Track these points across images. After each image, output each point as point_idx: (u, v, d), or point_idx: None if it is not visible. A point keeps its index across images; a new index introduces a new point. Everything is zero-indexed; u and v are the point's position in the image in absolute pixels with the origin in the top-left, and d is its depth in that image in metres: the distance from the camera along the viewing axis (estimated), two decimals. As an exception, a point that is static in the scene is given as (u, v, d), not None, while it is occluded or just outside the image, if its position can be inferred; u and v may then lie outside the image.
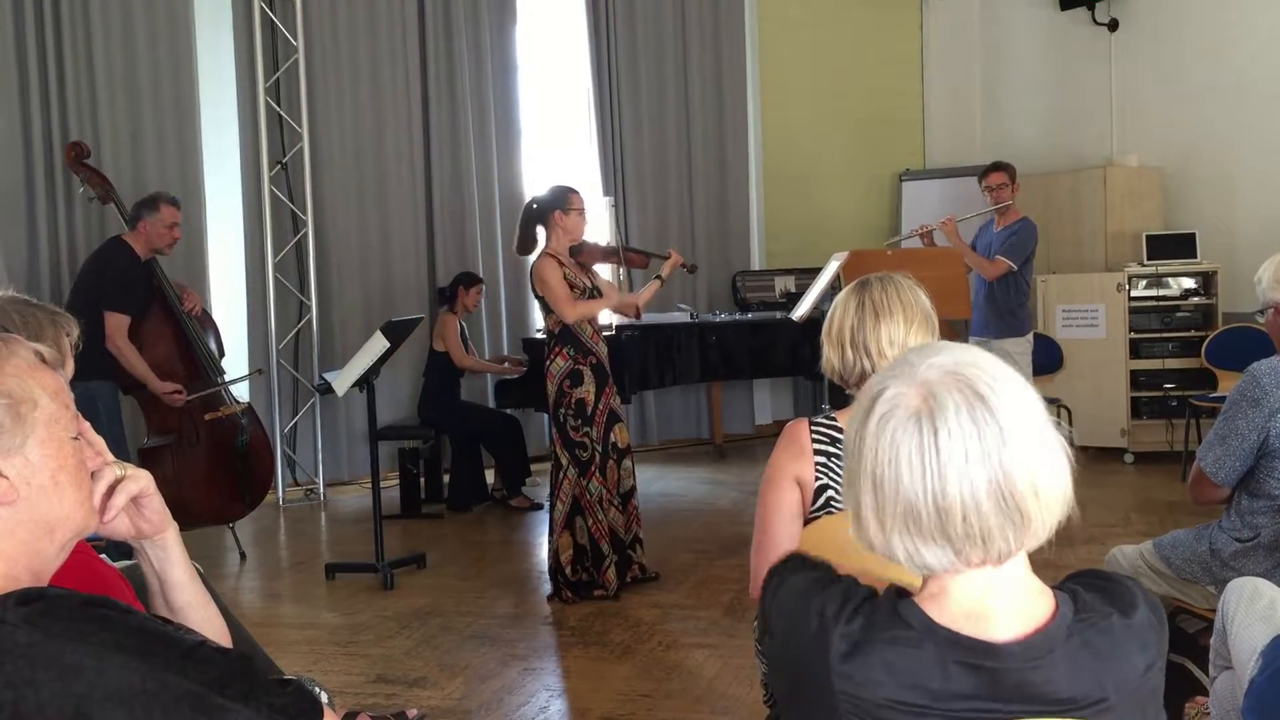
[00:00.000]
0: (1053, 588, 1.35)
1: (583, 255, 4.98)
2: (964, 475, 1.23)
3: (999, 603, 1.30)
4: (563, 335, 4.86)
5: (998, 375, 1.28)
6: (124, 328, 5.26)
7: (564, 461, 4.85)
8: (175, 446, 5.47)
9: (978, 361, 1.29)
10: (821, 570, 1.40)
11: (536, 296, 4.97)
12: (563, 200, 4.90)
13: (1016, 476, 1.24)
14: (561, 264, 4.86)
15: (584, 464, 4.83)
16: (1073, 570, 1.44)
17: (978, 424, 1.24)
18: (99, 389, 5.07)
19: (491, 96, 7.83)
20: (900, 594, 1.32)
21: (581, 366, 4.84)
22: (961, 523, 1.23)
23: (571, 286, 4.83)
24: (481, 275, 7.26)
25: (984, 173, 6.54)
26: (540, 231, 4.95)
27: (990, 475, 1.23)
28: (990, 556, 1.26)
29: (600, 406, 4.86)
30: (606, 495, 4.86)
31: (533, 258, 5.00)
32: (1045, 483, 1.26)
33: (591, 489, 4.83)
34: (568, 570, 4.84)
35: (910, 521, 1.25)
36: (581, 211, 4.93)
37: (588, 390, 4.83)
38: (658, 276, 5.22)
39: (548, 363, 4.91)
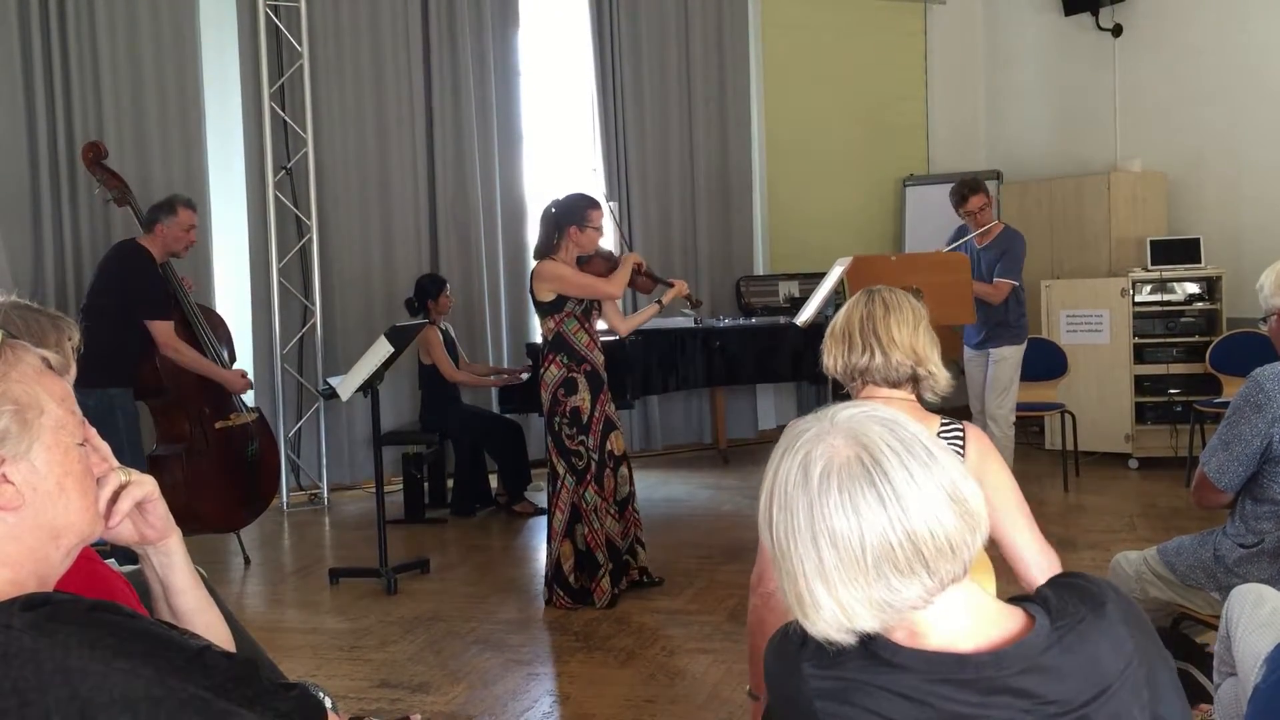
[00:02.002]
0: (1021, 601, 1.36)
1: (589, 267, 4.91)
2: (919, 496, 1.25)
3: (966, 624, 1.31)
4: (556, 343, 4.83)
5: (890, 411, 1.33)
6: (171, 330, 5.26)
7: (560, 470, 4.84)
8: (185, 455, 5.45)
9: (874, 405, 1.35)
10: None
11: (535, 303, 4.90)
12: (581, 216, 4.81)
13: (956, 481, 1.27)
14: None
15: (580, 472, 4.81)
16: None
17: (906, 444, 1.27)
18: (118, 396, 5.07)
19: (494, 101, 7.84)
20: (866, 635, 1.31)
21: (575, 374, 4.80)
22: (931, 540, 1.24)
23: (567, 301, 4.81)
24: (446, 278, 7.05)
25: (960, 198, 6.15)
26: (555, 238, 4.85)
27: (938, 487, 1.26)
28: (958, 566, 1.27)
29: (596, 414, 4.83)
30: (602, 504, 4.83)
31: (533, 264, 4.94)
32: (973, 484, 1.30)
33: (588, 498, 4.81)
34: (570, 578, 4.83)
35: (886, 562, 1.24)
36: (599, 229, 4.85)
37: (582, 398, 4.80)
38: (657, 301, 5.08)
39: (542, 371, 4.87)
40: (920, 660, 1.27)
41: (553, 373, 4.82)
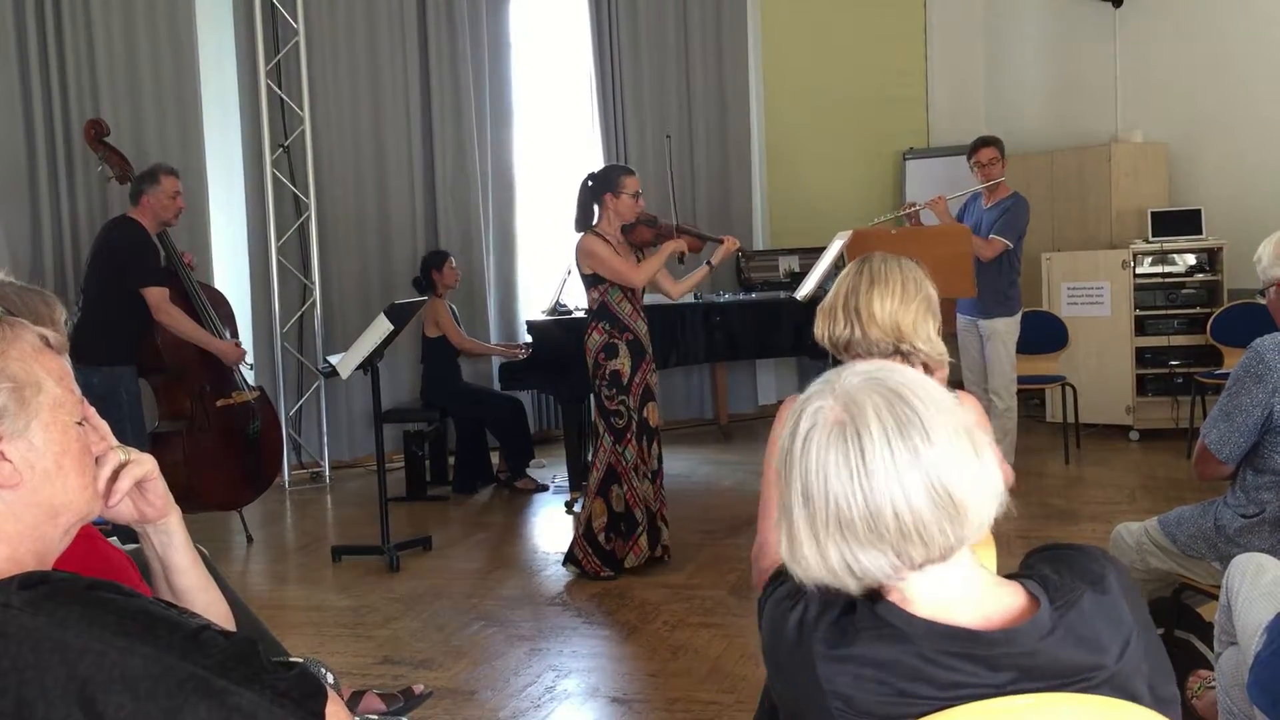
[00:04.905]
0: (1019, 577, 1.36)
1: (633, 235, 4.97)
2: (890, 475, 1.24)
3: (964, 596, 1.31)
4: (600, 311, 4.90)
5: (914, 379, 1.31)
6: (165, 296, 5.23)
7: (600, 429, 4.90)
8: (187, 432, 5.45)
9: (894, 368, 1.33)
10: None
11: (582, 274, 4.97)
12: (614, 182, 4.92)
13: (945, 470, 1.25)
14: (607, 242, 4.88)
15: (619, 431, 4.86)
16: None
17: (900, 422, 1.26)
18: (122, 375, 5.08)
19: (487, 77, 7.81)
20: (875, 597, 1.32)
21: (617, 340, 4.87)
22: (894, 521, 1.24)
23: None
24: (449, 252, 7.05)
25: (973, 148, 6.37)
26: (595, 210, 4.96)
27: (919, 471, 1.24)
28: (933, 553, 1.26)
29: (637, 380, 4.89)
30: (642, 466, 4.89)
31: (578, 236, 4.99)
32: (973, 476, 1.27)
33: (627, 456, 4.86)
34: (601, 538, 4.85)
35: (844, 528, 1.25)
36: (636, 195, 4.93)
37: (622, 363, 4.86)
38: (708, 262, 5.13)
39: (585, 337, 4.96)
40: (933, 633, 1.27)
41: (595, 338, 4.90)
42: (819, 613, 1.32)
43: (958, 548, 1.28)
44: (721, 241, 5.14)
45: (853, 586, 1.29)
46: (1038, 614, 1.29)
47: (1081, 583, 1.33)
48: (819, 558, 1.28)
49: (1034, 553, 1.41)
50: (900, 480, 1.24)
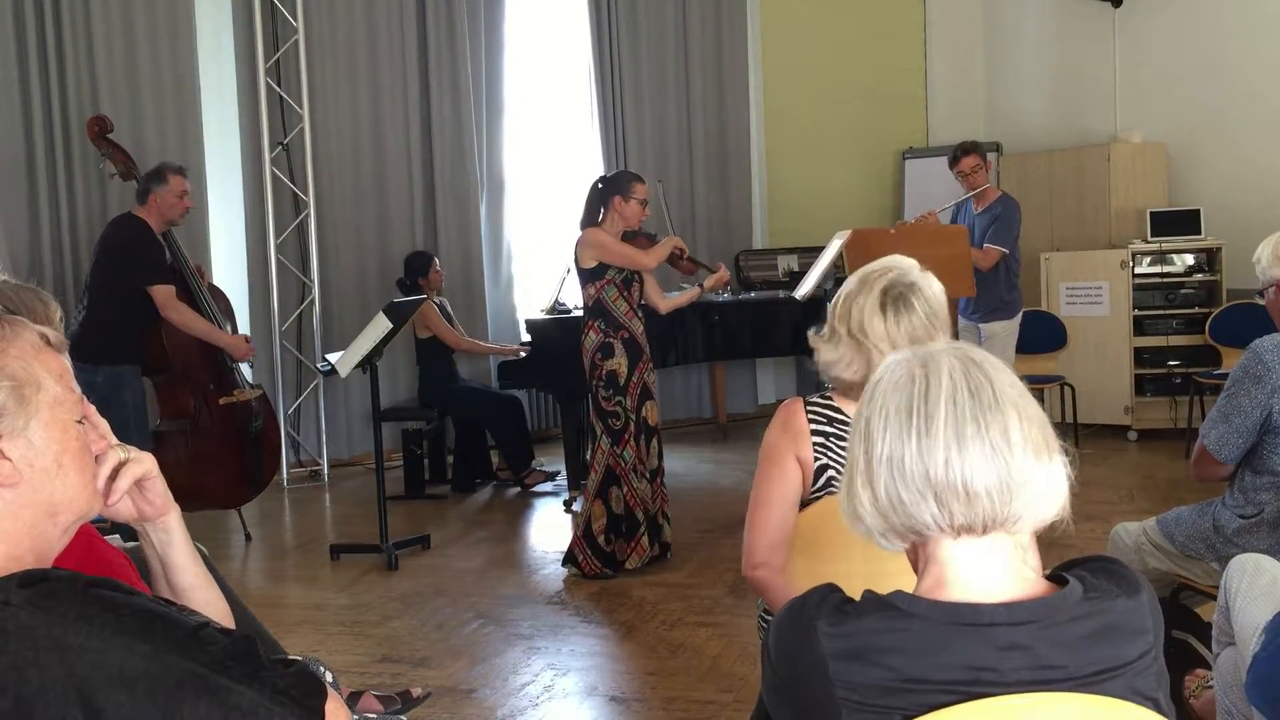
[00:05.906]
0: (1057, 573, 1.36)
1: (632, 243, 5.00)
2: (950, 425, 1.26)
3: (998, 582, 1.31)
4: (594, 309, 4.93)
5: (998, 362, 1.35)
6: (172, 294, 5.21)
7: (598, 431, 4.91)
8: (189, 431, 5.44)
9: (975, 348, 1.37)
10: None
11: (580, 270, 4.98)
12: (624, 187, 4.96)
13: (1006, 441, 1.27)
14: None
15: (617, 433, 4.87)
16: (1075, 549, 1.44)
17: (972, 386, 1.29)
18: (126, 374, 5.07)
19: (485, 75, 7.81)
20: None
21: (612, 340, 4.88)
22: (944, 467, 1.26)
23: (608, 268, 4.89)
24: (431, 253, 7.01)
25: (954, 158, 6.26)
26: (600, 212, 4.99)
27: (979, 430, 1.27)
28: (975, 517, 1.27)
29: (634, 379, 4.90)
30: (640, 466, 4.90)
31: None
32: (1035, 467, 1.28)
33: (625, 457, 4.87)
34: (600, 540, 4.86)
35: (894, 468, 1.28)
36: (643, 203, 4.97)
37: (618, 362, 4.87)
38: (699, 284, 5.35)
39: (582, 337, 4.98)
40: (936, 610, 1.28)
41: (591, 338, 4.92)
42: (820, 599, 1.33)
43: (1000, 524, 1.28)
44: (713, 270, 5.33)
45: (894, 537, 1.32)
46: (1053, 595, 1.29)
47: (1117, 588, 1.34)
48: (870, 495, 1.30)
49: (1074, 561, 1.41)
50: (958, 433, 1.26)
